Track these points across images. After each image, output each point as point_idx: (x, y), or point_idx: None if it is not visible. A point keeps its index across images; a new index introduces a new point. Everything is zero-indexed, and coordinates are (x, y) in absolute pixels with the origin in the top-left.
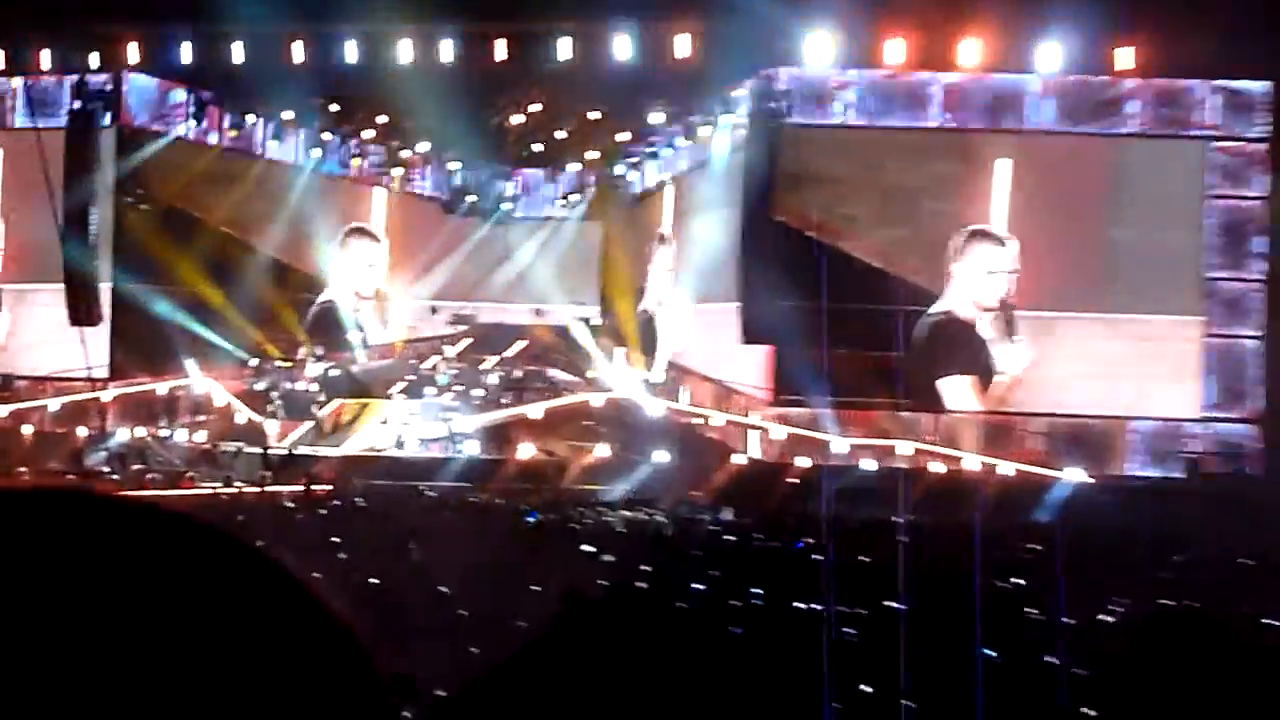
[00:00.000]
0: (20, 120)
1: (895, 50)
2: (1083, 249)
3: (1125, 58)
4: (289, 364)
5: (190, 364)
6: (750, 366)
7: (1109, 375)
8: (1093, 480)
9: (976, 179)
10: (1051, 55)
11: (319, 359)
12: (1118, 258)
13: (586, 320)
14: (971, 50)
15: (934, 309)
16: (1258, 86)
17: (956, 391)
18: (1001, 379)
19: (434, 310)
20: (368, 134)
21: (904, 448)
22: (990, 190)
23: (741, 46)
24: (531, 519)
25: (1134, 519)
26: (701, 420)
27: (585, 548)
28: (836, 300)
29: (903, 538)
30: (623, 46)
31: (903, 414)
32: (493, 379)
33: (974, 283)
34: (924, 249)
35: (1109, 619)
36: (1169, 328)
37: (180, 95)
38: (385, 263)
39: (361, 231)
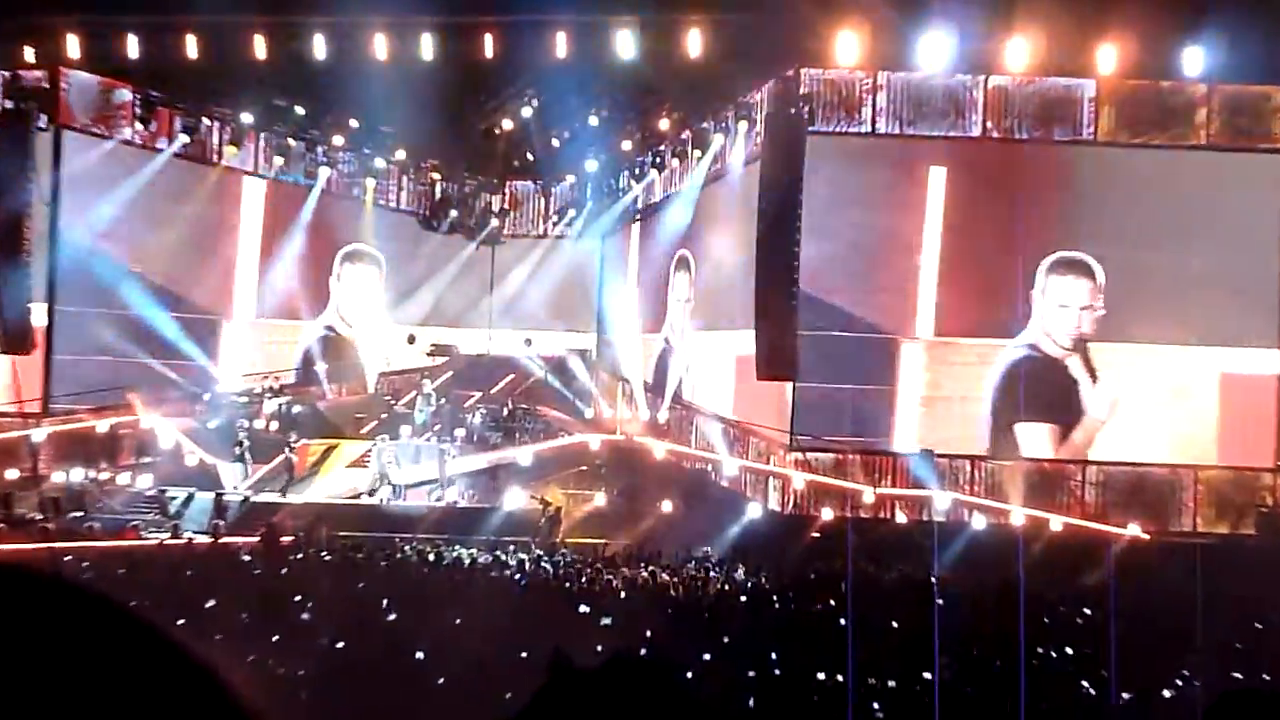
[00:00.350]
0: None
1: (934, 51)
2: (1147, 273)
3: (1192, 61)
4: (246, 399)
5: (135, 398)
6: (769, 404)
7: (1176, 416)
8: (1152, 537)
9: (1017, 194)
10: (1109, 58)
11: (277, 393)
12: (1187, 284)
13: (584, 352)
14: (1019, 51)
15: (1016, 343)
16: None
17: (1036, 441)
18: (1088, 426)
19: (411, 339)
20: (337, 140)
21: (941, 499)
22: (1034, 209)
23: (759, 45)
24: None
25: (1201, 581)
26: (713, 466)
27: (581, 609)
28: (868, 329)
29: (938, 600)
30: (625, 43)
31: (940, 459)
32: (477, 417)
33: (1050, 317)
34: (977, 272)
35: (1171, 694)
36: (1244, 362)
37: (125, 95)
38: (380, 289)
39: (358, 255)
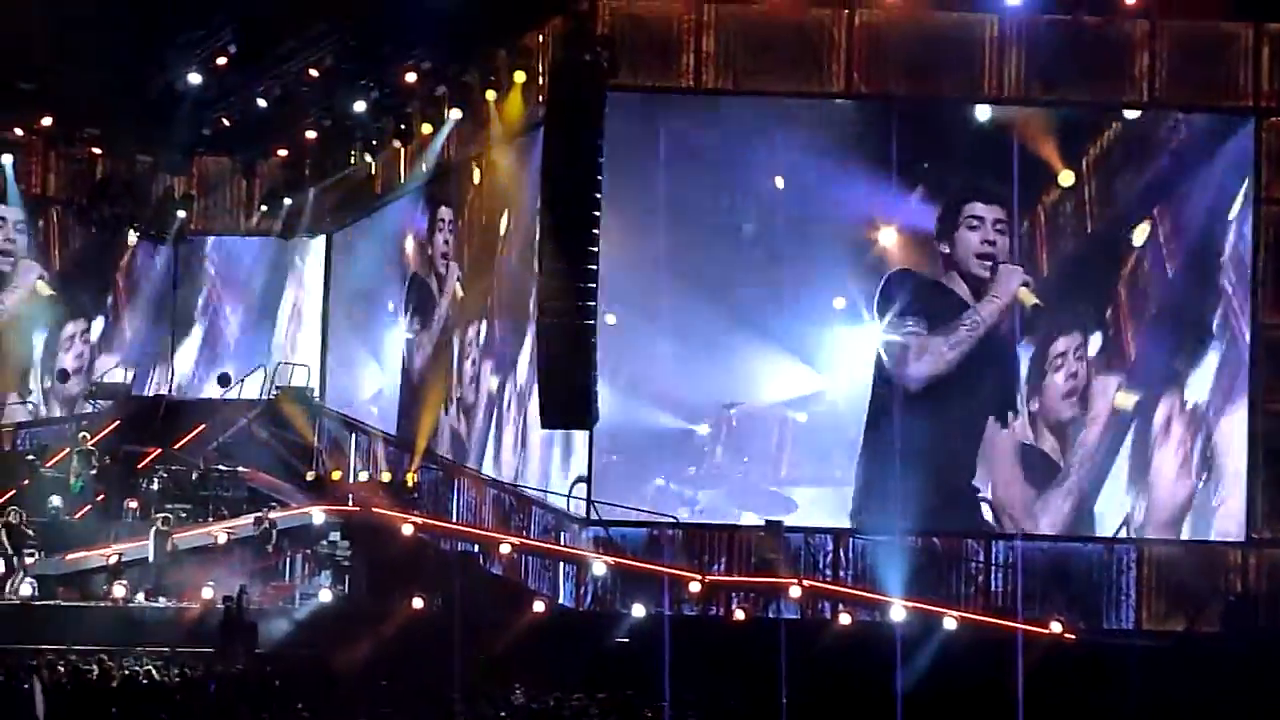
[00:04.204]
0: None
1: None
2: (1072, 278)
3: None
4: None
5: None
6: (555, 461)
7: (1105, 473)
8: (1080, 636)
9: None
10: None
11: None
12: (1117, 291)
13: (304, 391)
14: None
15: None
16: None
17: None
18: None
19: (64, 376)
20: None
21: (794, 589)
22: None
23: None
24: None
25: (1144, 698)
26: (481, 547)
27: None
28: (690, 359)
29: None
30: None
31: (792, 534)
32: (156, 483)
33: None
34: (823, 274)
35: None
36: (1198, 399)
37: None
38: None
39: None
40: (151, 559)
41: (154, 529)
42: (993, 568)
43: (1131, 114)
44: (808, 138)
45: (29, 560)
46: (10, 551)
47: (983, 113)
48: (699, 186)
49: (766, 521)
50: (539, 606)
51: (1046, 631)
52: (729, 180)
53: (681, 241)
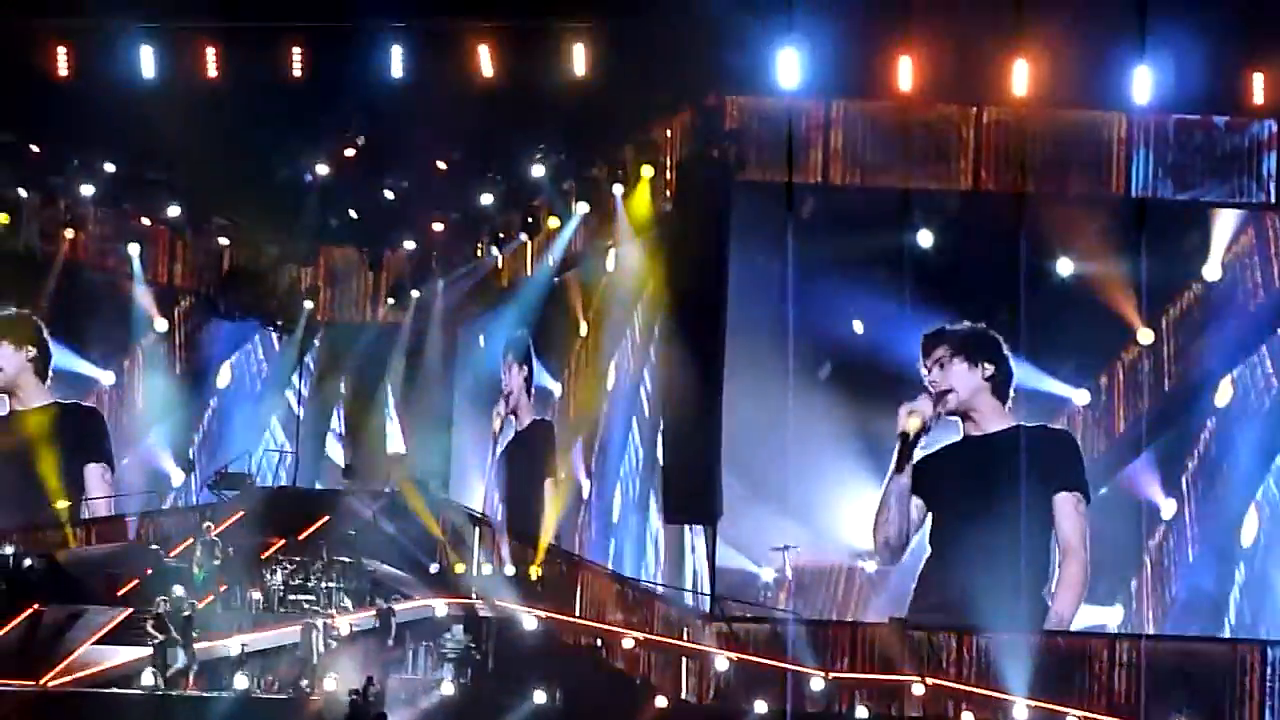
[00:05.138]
0: None
1: (905, 74)
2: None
3: (1257, 89)
4: None
5: None
6: (680, 555)
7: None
8: None
9: (1033, 274)
10: (1146, 85)
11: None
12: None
13: (427, 484)
14: (1023, 77)
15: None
16: None
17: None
18: None
19: (189, 466)
20: (86, 190)
21: (917, 687)
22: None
23: (668, 63)
24: None
25: None
26: (604, 641)
27: None
28: (821, 453)
29: None
30: (485, 61)
31: (916, 632)
32: (279, 574)
33: None
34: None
35: None
36: None
37: None
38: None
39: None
40: (299, 652)
41: (304, 622)
42: (1116, 666)
43: (1213, 276)
44: (885, 280)
45: (183, 651)
46: (163, 640)
47: (1065, 266)
48: (775, 329)
49: (890, 618)
50: (661, 701)
51: None
52: (808, 322)
53: (756, 377)
